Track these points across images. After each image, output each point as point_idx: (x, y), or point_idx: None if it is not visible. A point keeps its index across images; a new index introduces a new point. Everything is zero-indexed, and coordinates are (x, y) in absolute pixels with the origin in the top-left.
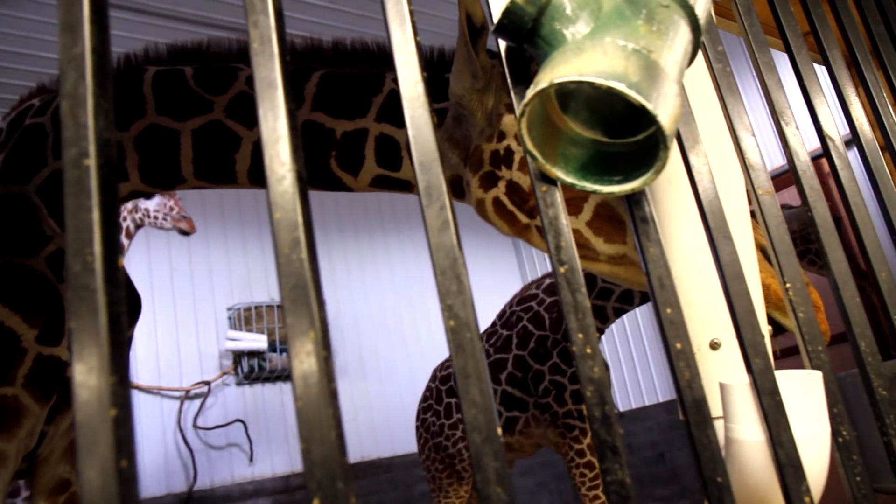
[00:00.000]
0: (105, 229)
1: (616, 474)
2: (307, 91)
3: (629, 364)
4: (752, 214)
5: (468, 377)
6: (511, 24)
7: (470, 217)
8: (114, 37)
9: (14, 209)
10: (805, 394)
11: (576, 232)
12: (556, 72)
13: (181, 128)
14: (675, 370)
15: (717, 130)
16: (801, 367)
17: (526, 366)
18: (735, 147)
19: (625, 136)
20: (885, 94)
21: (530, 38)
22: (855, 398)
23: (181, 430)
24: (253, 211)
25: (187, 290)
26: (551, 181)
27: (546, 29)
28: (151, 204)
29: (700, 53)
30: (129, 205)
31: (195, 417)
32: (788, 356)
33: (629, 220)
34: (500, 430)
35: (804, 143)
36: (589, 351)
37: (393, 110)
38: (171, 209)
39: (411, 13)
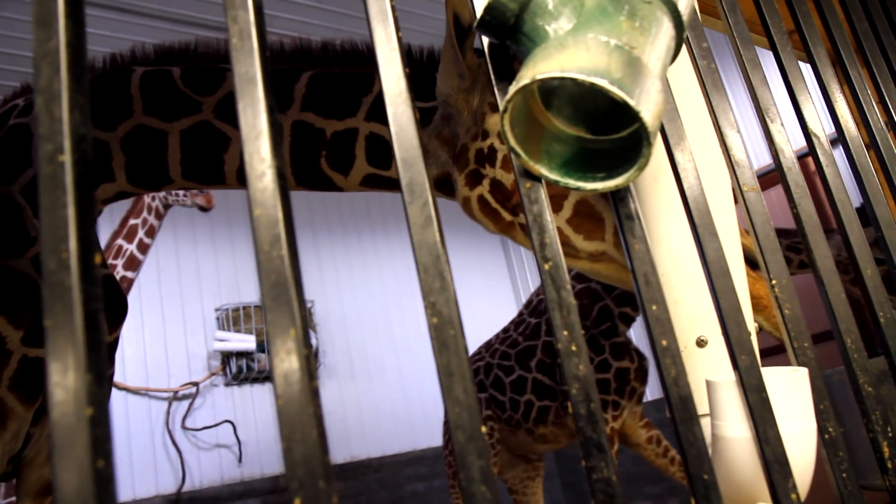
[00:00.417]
0: (80, 226)
1: (602, 472)
2: (297, 92)
3: None
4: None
5: (452, 375)
6: (493, 20)
7: (458, 215)
8: (99, 36)
9: None
10: (791, 391)
11: (557, 229)
12: (539, 68)
13: (169, 128)
14: (661, 367)
15: (702, 127)
16: (781, 365)
17: (554, 352)
18: (720, 144)
19: (608, 132)
20: (869, 93)
21: (513, 35)
22: (841, 395)
23: (169, 432)
24: (241, 210)
25: (175, 291)
26: (535, 178)
27: (528, 25)
28: None
29: (685, 50)
30: None
31: (183, 418)
32: (764, 356)
33: (615, 218)
34: (484, 429)
35: (790, 140)
36: (574, 348)
37: (383, 109)
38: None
39: (393, 9)
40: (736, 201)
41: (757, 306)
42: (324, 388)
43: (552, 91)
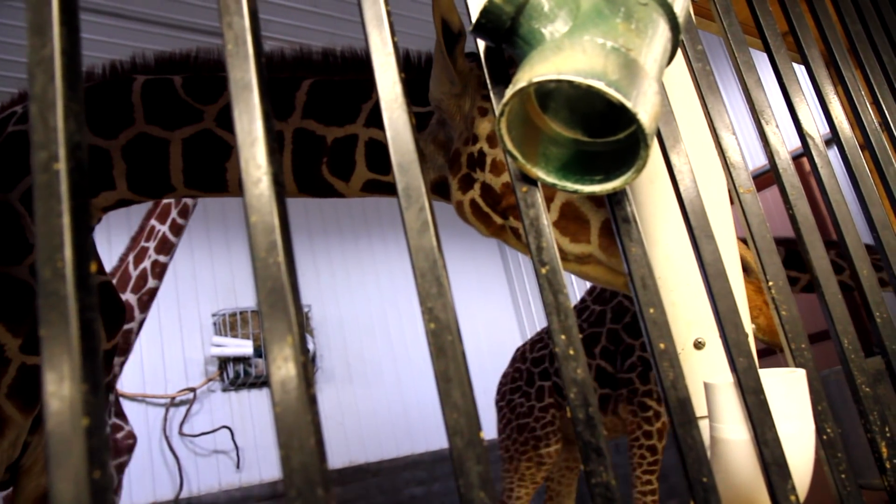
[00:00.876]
0: (76, 235)
1: (601, 476)
2: (298, 99)
3: None
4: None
5: (450, 381)
6: (489, 23)
7: (455, 218)
8: (97, 42)
9: None
10: (789, 392)
11: None
12: (535, 71)
13: (171, 137)
14: (659, 370)
15: (698, 129)
16: (777, 367)
17: (619, 339)
18: (716, 146)
19: (605, 135)
20: (863, 93)
21: (509, 38)
22: (839, 395)
23: (167, 438)
24: (237, 215)
25: (171, 296)
26: (532, 181)
27: (524, 28)
28: None
29: (680, 52)
30: None
31: (181, 424)
32: (761, 357)
33: (611, 221)
34: (482, 434)
35: (785, 142)
36: (572, 352)
37: (381, 115)
38: None
39: (389, 14)
40: (732, 202)
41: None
42: (321, 392)
43: (549, 94)
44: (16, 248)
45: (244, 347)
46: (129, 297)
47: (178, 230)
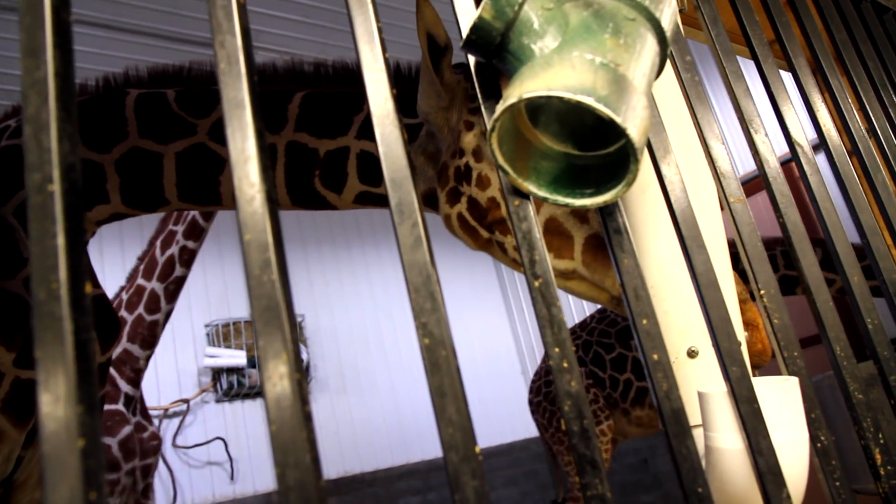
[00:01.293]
0: (70, 255)
1: (596, 489)
2: (290, 112)
3: None
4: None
5: (444, 395)
6: (479, 39)
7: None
8: (90, 55)
9: None
10: (782, 400)
11: None
12: (525, 87)
13: (164, 151)
14: (653, 381)
15: (688, 139)
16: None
17: None
18: (706, 156)
19: (595, 148)
20: (850, 100)
21: (499, 54)
22: (833, 401)
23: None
24: (229, 226)
25: None
26: (524, 195)
27: (514, 44)
28: None
29: (670, 63)
30: None
31: (174, 436)
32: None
33: (604, 232)
34: (477, 449)
35: (773, 150)
36: (566, 365)
37: (373, 127)
38: None
39: (380, 30)
40: (722, 208)
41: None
42: (316, 402)
43: (539, 108)
44: (9, 263)
45: (238, 358)
46: (154, 285)
47: (208, 214)
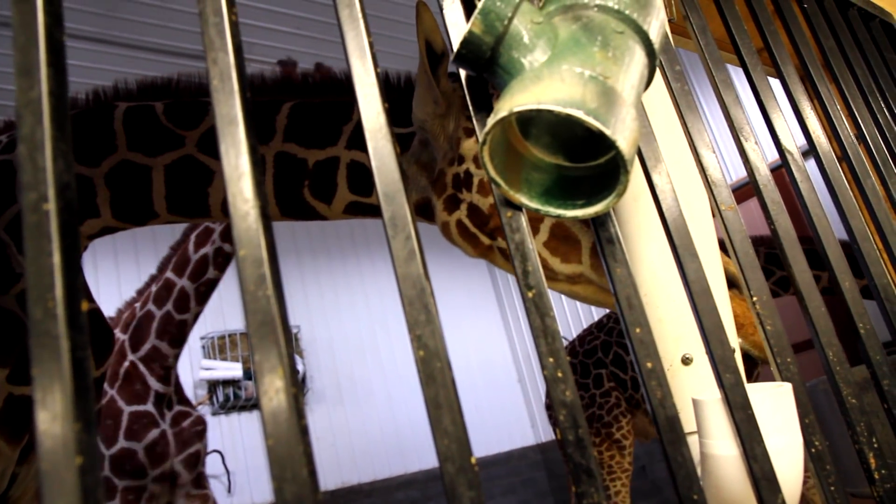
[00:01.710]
0: (66, 274)
1: (592, 497)
2: (278, 123)
3: None
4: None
5: (440, 407)
6: (470, 53)
7: (442, 236)
8: (82, 68)
9: None
10: (776, 406)
11: None
12: (515, 100)
13: (153, 163)
14: (647, 389)
15: (680, 147)
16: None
17: None
18: (697, 164)
19: (586, 159)
20: (838, 106)
21: (489, 68)
22: (828, 405)
23: None
24: None
25: None
26: (516, 206)
27: (504, 58)
28: None
29: (659, 73)
30: None
31: None
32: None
33: (596, 242)
34: (473, 460)
35: (764, 157)
36: (560, 375)
37: (363, 137)
38: None
39: (371, 45)
40: (714, 216)
41: (742, 333)
42: (312, 413)
43: (530, 120)
44: (2, 278)
45: (233, 370)
46: (185, 283)
47: None
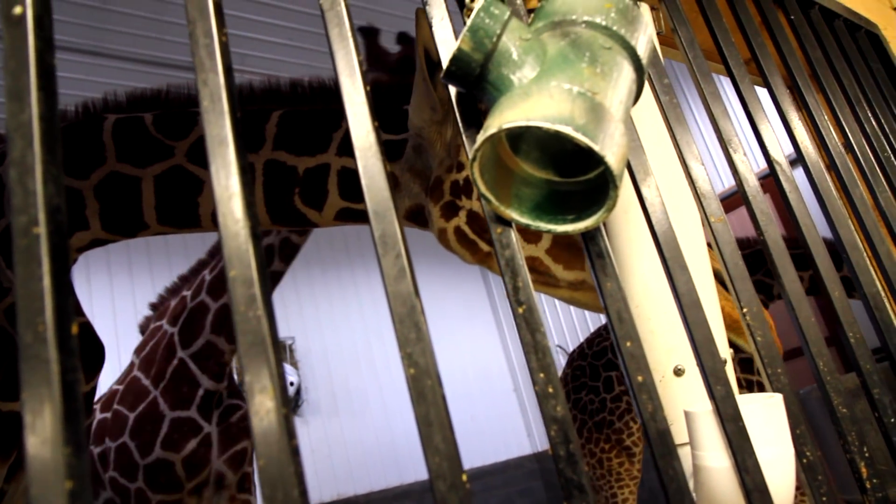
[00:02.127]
0: (57, 297)
1: None
2: (268, 131)
3: None
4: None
5: (430, 425)
6: (459, 70)
7: (438, 244)
8: (73, 80)
9: None
10: (767, 418)
11: (536, 259)
12: (505, 117)
13: (142, 174)
14: (638, 403)
15: (670, 157)
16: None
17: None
18: (686, 177)
19: (576, 174)
20: (825, 116)
21: (478, 84)
22: (821, 413)
23: None
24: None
25: None
26: (506, 222)
27: (493, 74)
28: None
29: (648, 85)
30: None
31: None
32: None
33: (587, 256)
34: (465, 477)
35: (753, 168)
36: (551, 390)
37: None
38: None
39: (361, 63)
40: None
41: (738, 329)
42: (307, 425)
43: (520, 136)
44: None
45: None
46: None
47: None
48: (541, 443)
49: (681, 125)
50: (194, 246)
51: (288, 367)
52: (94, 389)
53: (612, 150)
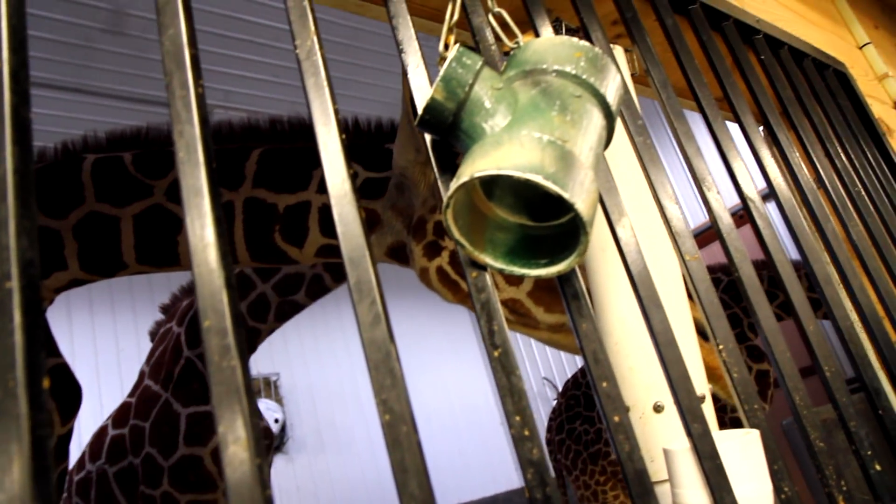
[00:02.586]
0: (28, 352)
1: None
2: (248, 169)
3: None
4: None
5: (406, 471)
6: (433, 119)
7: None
8: (55, 117)
9: None
10: (744, 454)
11: (517, 302)
12: (476, 165)
13: (121, 214)
14: (616, 443)
15: (644, 195)
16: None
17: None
18: (661, 216)
19: (549, 218)
20: (797, 153)
21: (452, 132)
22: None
23: None
24: None
25: (135, 372)
26: (482, 266)
27: (466, 123)
28: None
29: (622, 126)
30: None
31: None
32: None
33: (562, 298)
34: None
35: (726, 206)
36: (527, 433)
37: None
38: None
39: (336, 112)
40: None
41: (712, 377)
42: (293, 462)
43: (494, 181)
44: None
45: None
46: (268, 290)
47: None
48: None
49: (655, 165)
50: (178, 283)
51: (273, 404)
52: (70, 432)
53: (581, 198)
